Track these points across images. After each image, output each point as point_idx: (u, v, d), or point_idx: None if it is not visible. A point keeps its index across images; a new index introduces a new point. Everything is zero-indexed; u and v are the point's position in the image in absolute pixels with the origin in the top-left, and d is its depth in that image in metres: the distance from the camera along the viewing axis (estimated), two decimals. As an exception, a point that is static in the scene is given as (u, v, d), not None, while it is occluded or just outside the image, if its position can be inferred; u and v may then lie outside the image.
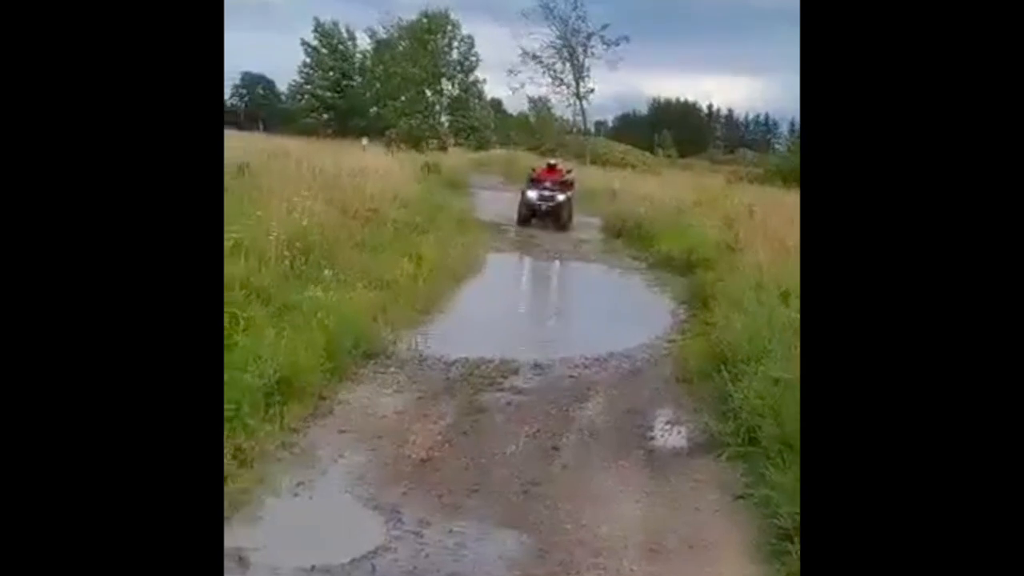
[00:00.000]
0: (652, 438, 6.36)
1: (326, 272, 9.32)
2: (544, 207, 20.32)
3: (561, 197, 20.33)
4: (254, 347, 6.29)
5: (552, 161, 23.12)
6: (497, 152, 44.11)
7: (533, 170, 22.04)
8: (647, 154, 44.92)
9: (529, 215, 20.46)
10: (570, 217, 20.65)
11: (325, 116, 50.90)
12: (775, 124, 75.79)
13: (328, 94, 51.41)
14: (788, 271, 8.33)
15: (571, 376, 7.89)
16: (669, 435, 6.44)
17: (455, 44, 45.58)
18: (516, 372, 7.82)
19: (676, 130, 64.31)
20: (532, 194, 20.49)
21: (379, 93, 44.85)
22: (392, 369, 7.68)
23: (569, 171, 22.95)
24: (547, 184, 20.70)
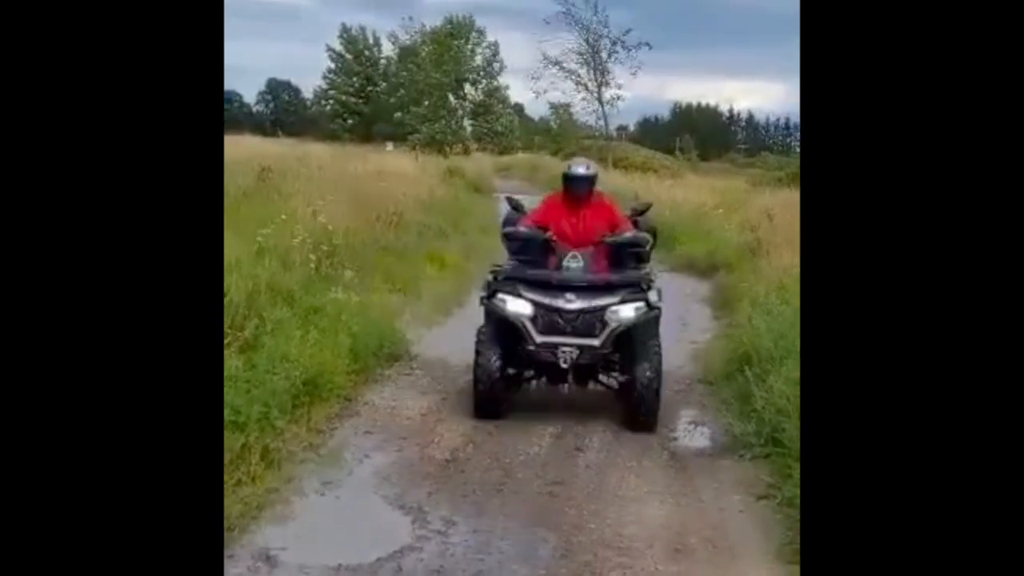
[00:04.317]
0: (676, 439, 6.36)
1: (351, 275, 9.36)
2: (576, 355, 6.40)
3: (630, 313, 6.50)
4: (281, 349, 6.34)
5: (581, 169, 7.09)
6: (520, 156, 44.16)
7: (516, 211, 7.58)
8: (669, 158, 44.70)
9: (503, 389, 6.64)
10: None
11: (350, 121, 51.14)
12: (796, 127, 75.50)
13: (353, 99, 51.67)
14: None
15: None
16: (693, 436, 6.45)
17: (479, 50, 45.58)
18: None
19: (698, 134, 64.15)
20: (521, 309, 6.47)
21: (403, 98, 44.85)
22: (417, 371, 7.75)
23: (640, 211, 7.91)
24: (573, 262, 6.77)
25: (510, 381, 6.65)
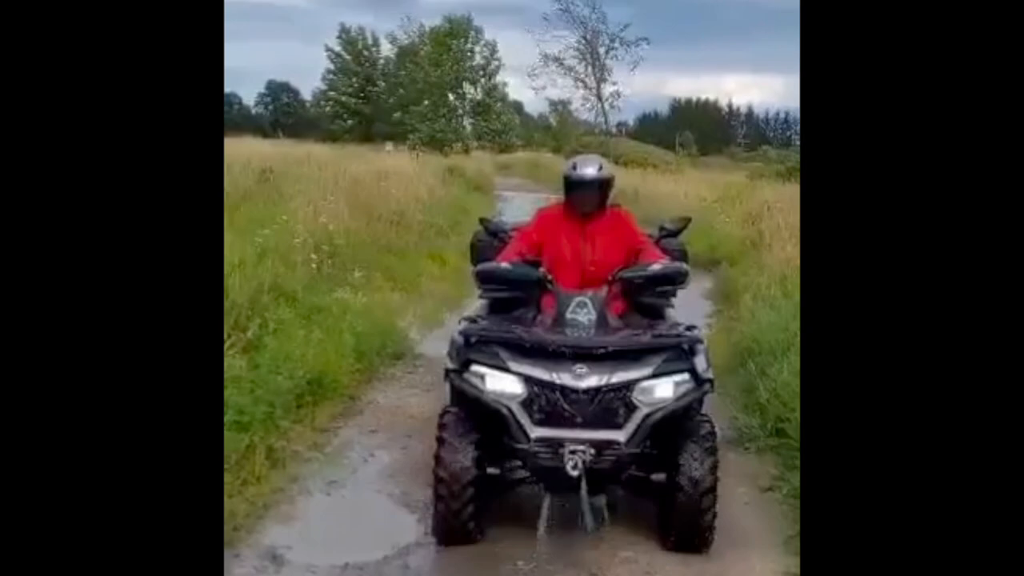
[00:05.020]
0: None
1: (353, 274, 9.38)
2: (591, 457, 4.12)
3: (667, 391, 4.34)
4: (285, 349, 6.35)
5: (590, 169, 5.01)
6: (520, 155, 44.24)
7: (493, 238, 5.83)
8: (669, 153, 44.71)
9: (478, 502, 4.38)
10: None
11: (349, 122, 51.22)
12: (796, 121, 75.49)
13: (352, 100, 51.79)
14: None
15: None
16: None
17: (477, 49, 45.58)
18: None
19: (697, 129, 64.20)
20: (507, 388, 4.31)
21: (403, 98, 44.88)
22: (420, 369, 7.75)
23: (674, 231, 6.41)
24: (581, 312, 4.63)
25: (489, 488, 4.48)
